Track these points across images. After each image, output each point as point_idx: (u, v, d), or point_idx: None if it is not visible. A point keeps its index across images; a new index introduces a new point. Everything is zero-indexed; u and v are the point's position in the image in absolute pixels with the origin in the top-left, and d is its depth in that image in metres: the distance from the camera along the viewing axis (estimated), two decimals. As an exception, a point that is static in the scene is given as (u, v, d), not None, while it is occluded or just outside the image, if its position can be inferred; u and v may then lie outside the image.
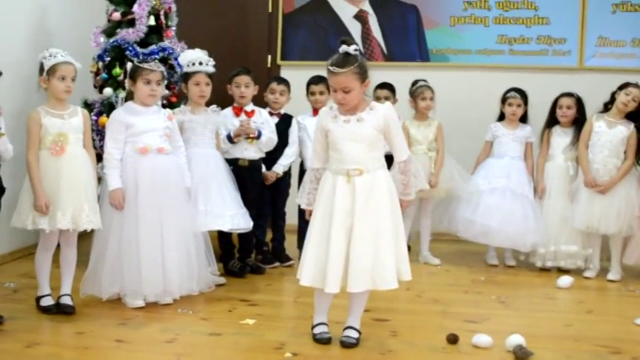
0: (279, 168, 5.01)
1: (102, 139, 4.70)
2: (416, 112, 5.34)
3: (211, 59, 4.54)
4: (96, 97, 4.97)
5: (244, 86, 4.79)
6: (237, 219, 4.46)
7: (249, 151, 4.78)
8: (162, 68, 4.09)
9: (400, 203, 3.37)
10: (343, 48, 3.25)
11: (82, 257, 3.94)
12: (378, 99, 5.38)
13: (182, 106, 4.58)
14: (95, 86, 5.03)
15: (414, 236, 5.48)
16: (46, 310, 3.75)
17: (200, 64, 4.47)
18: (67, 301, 3.76)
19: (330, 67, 3.23)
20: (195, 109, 4.51)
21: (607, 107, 5.05)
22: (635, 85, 4.92)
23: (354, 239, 3.19)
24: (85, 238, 3.97)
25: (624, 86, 4.96)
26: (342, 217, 3.21)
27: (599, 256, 5.04)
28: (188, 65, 4.49)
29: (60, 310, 3.72)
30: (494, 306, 4.21)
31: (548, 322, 3.88)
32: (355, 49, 3.25)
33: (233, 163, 4.69)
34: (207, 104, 4.61)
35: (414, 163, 3.41)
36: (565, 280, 4.70)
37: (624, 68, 5.99)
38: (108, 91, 4.89)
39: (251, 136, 4.73)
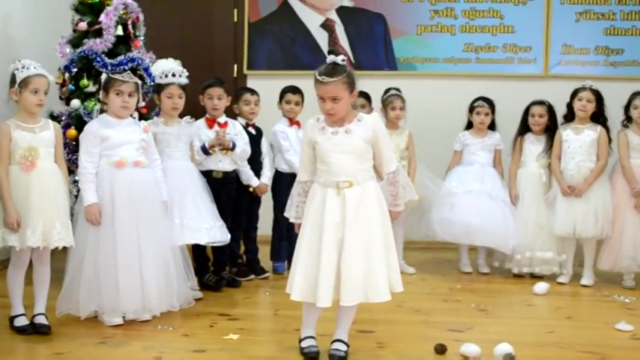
0: (266, 179, 5.00)
1: (70, 152, 4.60)
2: (387, 122, 5.32)
3: (184, 70, 4.46)
4: (63, 110, 4.84)
5: (217, 98, 4.72)
6: (213, 232, 4.38)
7: (224, 163, 4.71)
8: (136, 79, 3.99)
9: (390, 215, 3.34)
10: (331, 58, 3.23)
11: (57, 274, 3.83)
12: (354, 107, 5.36)
13: (155, 118, 4.49)
14: (61, 98, 4.89)
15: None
16: (20, 331, 3.61)
17: (173, 75, 4.40)
18: (42, 320, 3.64)
19: (319, 77, 3.20)
20: (169, 120, 4.42)
21: (566, 118, 5.14)
22: (583, 88, 5.02)
23: (345, 252, 3.15)
24: (59, 254, 3.84)
25: (574, 94, 5.07)
26: (333, 230, 3.17)
27: (572, 261, 5.09)
28: (161, 77, 4.41)
29: (35, 330, 3.60)
30: (474, 314, 4.21)
31: (531, 329, 3.90)
32: (343, 60, 3.22)
33: (207, 175, 4.60)
34: (181, 115, 4.52)
35: (403, 173, 3.41)
36: (541, 287, 4.73)
37: (588, 75, 6.00)
38: (75, 102, 4.77)
39: (226, 147, 4.65)
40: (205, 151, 4.62)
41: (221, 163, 4.70)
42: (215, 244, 4.49)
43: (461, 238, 5.24)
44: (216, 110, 4.74)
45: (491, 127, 5.46)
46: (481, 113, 5.38)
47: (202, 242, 4.38)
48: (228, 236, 4.49)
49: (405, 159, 5.27)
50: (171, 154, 4.35)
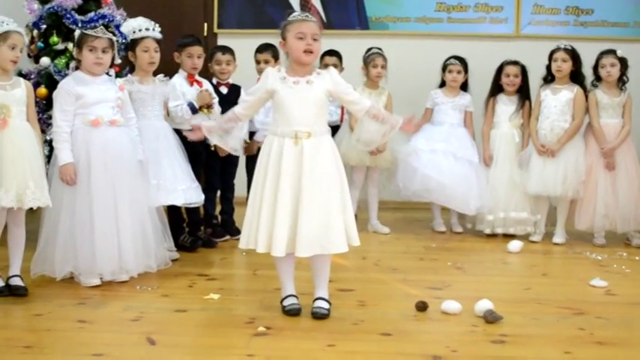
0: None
1: (41, 111, 4.48)
2: (367, 80, 5.30)
3: (157, 25, 4.36)
4: (32, 68, 4.71)
5: (197, 57, 4.65)
6: (189, 193, 4.34)
7: (204, 123, 4.63)
8: (110, 35, 3.88)
9: (408, 124, 3.36)
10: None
11: (32, 235, 3.75)
12: (326, 66, 5.31)
13: (129, 76, 4.38)
14: (30, 56, 4.76)
15: (363, 205, 5.46)
16: (-4, 293, 3.55)
17: (147, 29, 4.30)
18: (17, 282, 3.57)
19: (302, 15, 3.25)
20: (143, 78, 4.32)
21: (546, 80, 5.17)
22: (557, 49, 5.05)
23: (302, 203, 3.15)
24: (36, 216, 3.77)
25: (550, 55, 5.10)
26: (290, 180, 3.17)
27: (545, 220, 5.16)
28: (134, 32, 4.31)
29: (12, 292, 3.53)
30: (451, 272, 4.25)
31: (508, 287, 3.96)
32: None
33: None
34: (154, 73, 4.42)
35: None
36: (515, 245, 4.79)
37: (559, 35, 6.05)
38: (45, 60, 4.65)
39: (210, 106, 4.60)
40: (194, 109, 4.54)
41: (204, 123, 4.62)
42: (191, 205, 4.44)
43: (422, 195, 5.24)
44: (195, 69, 4.67)
45: (464, 87, 5.47)
46: (453, 71, 5.37)
47: (178, 203, 4.34)
48: (203, 197, 4.45)
49: None
50: (146, 114, 4.26)
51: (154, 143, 4.22)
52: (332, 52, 5.46)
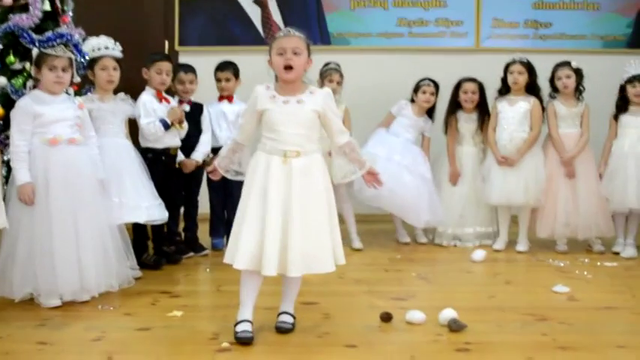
0: (199, 155, 4.85)
1: (-3, 131, 4.43)
2: None
3: (118, 44, 4.34)
4: (-12, 87, 4.64)
5: (166, 74, 4.64)
6: (152, 210, 4.30)
7: (176, 139, 4.64)
8: (69, 54, 3.86)
9: (371, 175, 3.40)
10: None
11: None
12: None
13: (89, 94, 4.35)
14: (-15, 76, 4.70)
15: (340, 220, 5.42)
16: (-47, 317, 3.48)
17: (106, 48, 4.28)
18: (-25, 305, 3.51)
19: (284, 31, 3.20)
20: (104, 96, 4.30)
21: (501, 92, 5.24)
22: (513, 62, 5.15)
23: (291, 222, 3.11)
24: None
25: (506, 68, 5.19)
26: (278, 199, 3.13)
27: (507, 229, 5.21)
28: (93, 50, 4.28)
29: (-31, 316, 3.47)
30: (416, 283, 4.27)
31: (472, 295, 3.98)
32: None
33: (165, 153, 4.59)
34: (115, 92, 4.40)
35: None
36: (479, 254, 4.83)
37: (518, 49, 6.12)
38: (2, 80, 4.52)
39: (181, 121, 4.60)
40: (167, 125, 4.52)
41: (175, 139, 4.64)
42: (154, 223, 4.41)
43: (373, 201, 5.22)
44: (163, 85, 4.65)
45: (430, 111, 5.49)
46: (427, 92, 5.38)
47: (141, 221, 4.30)
48: (167, 214, 4.41)
49: None
50: (107, 131, 4.23)
51: (116, 161, 4.19)
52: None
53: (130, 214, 4.20)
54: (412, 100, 5.49)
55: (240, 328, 3.20)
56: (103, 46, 4.29)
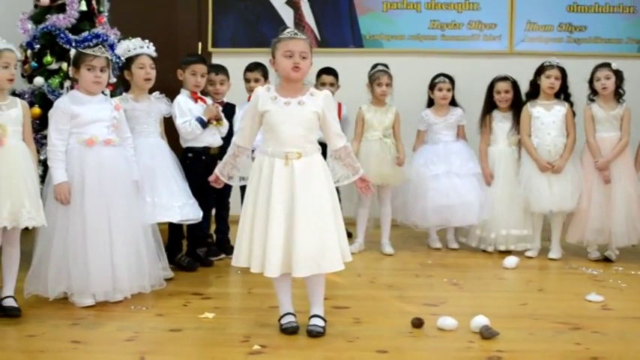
0: None
1: (34, 131, 4.47)
2: (372, 97, 5.28)
3: (152, 44, 4.37)
4: (25, 87, 4.72)
5: (200, 76, 4.66)
6: (186, 209, 4.32)
7: (216, 137, 4.66)
8: (107, 54, 3.89)
9: (363, 181, 3.42)
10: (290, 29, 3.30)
11: (27, 257, 3.73)
12: (323, 84, 5.37)
13: (124, 94, 4.39)
14: (23, 75, 4.78)
15: (374, 224, 5.44)
16: (-11, 314, 3.52)
17: (141, 47, 4.32)
18: (11, 303, 3.55)
19: (290, 33, 3.23)
20: (139, 96, 4.33)
21: (530, 96, 5.19)
22: (551, 66, 5.08)
23: (296, 222, 3.13)
24: (29, 236, 3.76)
25: (541, 71, 5.11)
26: (281, 200, 3.15)
27: (540, 235, 5.16)
28: (129, 50, 4.31)
29: (5, 313, 3.50)
30: (448, 288, 4.24)
31: (504, 302, 3.95)
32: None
33: (205, 152, 4.60)
34: (150, 91, 4.43)
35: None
36: (511, 261, 4.78)
37: (552, 52, 6.09)
38: (39, 80, 4.66)
39: (219, 119, 4.62)
40: (204, 123, 4.54)
41: (214, 137, 4.65)
42: (188, 222, 4.42)
43: (441, 224, 5.28)
44: (197, 87, 4.67)
45: (452, 103, 5.46)
46: (443, 89, 5.37)
47: (175, 220, 4.31)
48: (201, 214, 4.42)
49: (388, 137, 5.21)
50: (142, 131, 4.26)
51: (150, 161, 4.21)
52: (329, 71, 5.46)
53: (163, 213, 4.22)
54: (429, 102, 5.47)
55: (284, 320, 3.33)
56: (139, 45, 4.32)
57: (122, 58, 4.36)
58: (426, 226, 5.35)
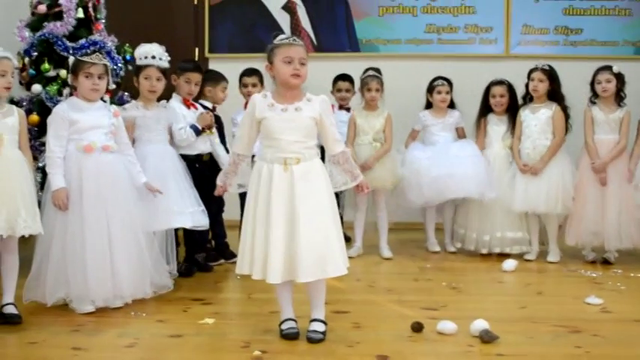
0: None
1: (32, 138, 4.47)
2: (364, 102, 5.30)
3: (166, 54, 4.38)
4: (23, 95, 4.72)
5: (194, 84, 4.67)
6: (197, 216, 4.34)
7: (207, 145, 4.66)
8: (105, 61, 3.90)
9: (361, 187, 3.45)
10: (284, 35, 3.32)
11: (26, 263, 3.73)
12: (339, 91, 5.41)
13: (133, 102, 4.41)
14: (21, 83, 4.78)
15: (372, 227, 5.43)
16: (-11, 321, 3.52)
17: (153, 57, 4.32)
18: (11, 310, 3.55)
19: (289, 39, 3.23)
20: (147, 104, 4.34)
21: (525, 99, 5.24)
22: (535, 69, 5.12)
23: (298, 228, 3.13)
24: (29, 243, 3.76)
25: (529, 74, 5.16)
26: (281, 205, 3.16)
27: (537, 239, 5.17)
28: (140, 58, 4.33)
29: (6, 320, 3.50)
30: (447, 292, 4.24)
31: (503, 306, 3.96)
32: None
33: (198, 160, 4.61)
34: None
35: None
36: (510, 264, 4.80)
37: (548, 55, 6.16)
38: (37, 87, 4.67)
39: (211, 127, 4.63)
40: (198, 131, 4.55)
41: (205, 145, 4.66)
42: (199, 228, 4.43)
43: (437, 198, 5.20)
44: (190, 95, 4.69)
45: (450, 105, 5.48)
46: (442, 92, 5.39)
47: (187, 226, 4.33)
48: (208, 221, 4.42)
49: (379, 141, 5.20)
50: (151, 139, 4.28)
51: (161, 167, 4.22)
52: (345, 77, 5.50)
53: (175, 219, 4.22)
54: (427, 104, 5.49)
55: (285, 325, 3.33)
56: (150, 55, 4.32)
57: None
58: (422, 203, 5.25)
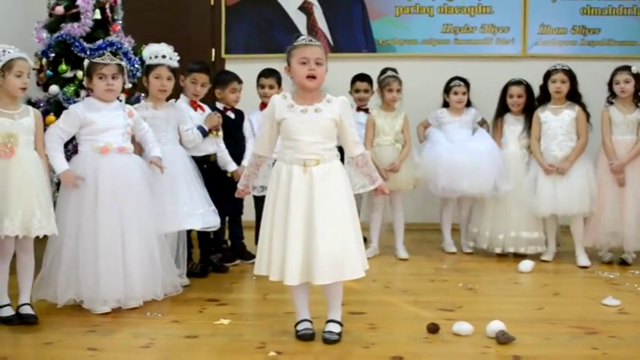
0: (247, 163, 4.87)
1: (50, 140, 4.51)
2: (382, 103, 5.28)
3: (175, 54, 4.39)
4: (40, 96, 4.75)
5: (201, 85, 4.66)
6: (207, 217, 4.32)
7: (214, 146, 4.66)
8: (118, 60, 3.92)
9: (381, 190, 3.45)
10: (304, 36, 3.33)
11: (38, 262, 3.74)
12: (357, 91, 5.41)
13: (143, 102, 4.41)
14: (39, 84, 4.80)
15: (388, 228, 5.42)
16: (6, 321, 3.52)
17: (163, 57, 4.32)
18: (28, 310, 3.57)
19: (305, 40, 3.24)
20: (157, 104, 4.34)
21: (541, 100, 5.18)
22: (555, 70, 5.06)
23: (316, 229, 3.12)
24: (44, 243, 3.78)
25: (548, 76, 5.10)
26: (300, 207, 3.15)
27: (554, 239, 5.13)
28: (150, 58, 4.33)
29: (22, 321, 3.52)
30: (463, 293, 4.22)
31: (520, 307, 3.94)
32: None
33: (206, 161, 4.60)
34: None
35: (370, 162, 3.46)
36: (526, 265, 4.77)
37: (566, 55, 6.09)
38: (54, 88, 4.69)
39: (218, 129, 4.62)
40: (205, 132, 4.54)
41: (212, 147, 4.65)
42: (210, 229, 4.44)
43: (450, 189, 5.15)
44: (196, 96, 4.67)
45: (466, 104, 5.46)
46: (459, 92, 5.38)
47: (197, 228, 4.31)
48: (219, 221, 4.42)
49: (400, 142, 5.19)
50: (161, 139, 4.23)
51: (171, 168, 4.16)
52: (364, 77, 5.48)
53: (185, 221, 4.21)
54: (444, 105, 5.47)
55: (300, 327, 3.34)
56: (161, 54, 4.32)
57: (145, 62, 4.38)
58: (439, 192, 5.23)
